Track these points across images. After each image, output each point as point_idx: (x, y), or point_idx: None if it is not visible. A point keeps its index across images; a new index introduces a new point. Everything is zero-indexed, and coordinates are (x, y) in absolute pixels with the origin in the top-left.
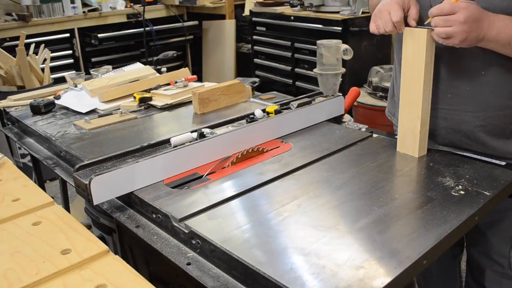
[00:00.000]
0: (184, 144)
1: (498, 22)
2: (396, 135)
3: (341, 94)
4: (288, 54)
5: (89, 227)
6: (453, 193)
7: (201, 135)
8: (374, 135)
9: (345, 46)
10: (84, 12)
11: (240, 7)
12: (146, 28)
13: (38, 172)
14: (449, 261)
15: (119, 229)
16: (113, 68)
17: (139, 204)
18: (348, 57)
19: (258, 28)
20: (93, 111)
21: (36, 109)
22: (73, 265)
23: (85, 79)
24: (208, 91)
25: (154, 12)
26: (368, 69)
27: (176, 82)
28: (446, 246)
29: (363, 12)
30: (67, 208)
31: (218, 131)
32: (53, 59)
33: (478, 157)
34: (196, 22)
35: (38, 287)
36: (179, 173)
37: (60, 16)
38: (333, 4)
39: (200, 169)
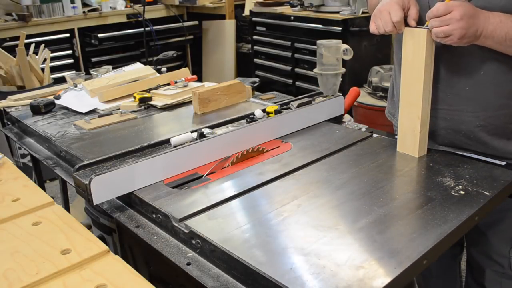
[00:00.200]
0: (184, 144)
1: (493, 18)
2: (396, 135)
3: (341, 94)
4: (288, 54)
5: (89, 227)
6: (453, 193)
7: (201, 135)
8: (374, 135)
9: (345, 46)
10: (84, 12)
11: (240, 7)
12: (146, 28)
13: (38, 172)
14: (449, 261)
15: (119, 229)
16: (113, 68)
17: (139, 204)
18: (348, 57)
19: (258, 28)
20: (93, 111)
21: (36, 109)
22: (73, 265)
23: (85, 79)
24: (208, 91)
25: (154, 12)
26: (368, 69)
27: (176, 82)
28: (446, 246)
29: (363, 12)
30: (67, 208)
31: (218, 131)
32: (53, 59)
33: (478, 157)
34: (196, 22)
35: (38, 287)
36: (179, 173)
37: (60, 16)
38: (333, 4)
39: (200, 169)
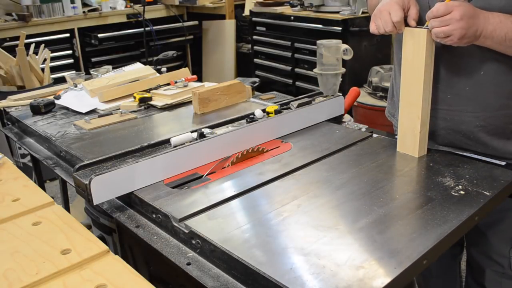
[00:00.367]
0: (184, 144)
1: (492, 18)
2: (396, 135)
3: (341, 94)
4: (288, 54)
5: (89, 227)
6: (453, 193)
7: (201, 135)
8: (374, 135)
9: (345, 46)
10: (84, 12)
11: (240, 7)
12: (146, 28)
13: (38, 172)
14: (449, 261)
15: (119, 229)
16: (113, 68)
17: (139, 204)
18: (348, 57)
19: (258, 28)
20: (93, 111)
21: (36, 109)
22: (73, 265)
23: (85, 79)
24: (208, 91)
25: (154, 12)
26: (368, 69)
27: (176, 82)
28: (446, 246)
29: (363, 12)
30: (67, 208)
31: (218, 131)
32: (53, 59)
33: (478, 157)
34: (196, 22)
35: (38, 287)
36: (179, 173)
37: (60, 16)
38: (333, 4)
39: (200, 169)
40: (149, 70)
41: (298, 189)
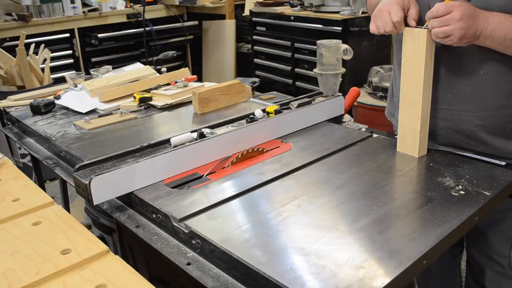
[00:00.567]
0: (184, 144)
1: (492, 18)
2: (396, 135)
3: (341, 94)
4: (288, 54)
5: (89, 227)
6: (453, 193)
7: (201, 135)
8: (374, 135)
9: (345, 46)
10: (84, 12)
11: (240, 7)
12: (146, 28)
13: (38, 172)
14: (449, 261)
15: (119, 229)
16: (113, 68)
17: (139, 204)
18: (348, 57)
19: (258, 28)
20: (93, 111)
21: (36, 109)
22: (73, 265)
23: (85, 79)
24: (208, 91)
25: (154, 12)
26: (368, 69)
27: (176, 82)
28: (446, 246)
29: (363, 12)
30: (67, 208)
31: (218, 131)
32: (53, 59)
33: (478, 157)
34: (196, 22)
35: (38, 287)
36: (179, 173)
37: (60, 16)
38: (333, 4)
39: (200, 169)
40: (149, 70)
41: (298, 189)
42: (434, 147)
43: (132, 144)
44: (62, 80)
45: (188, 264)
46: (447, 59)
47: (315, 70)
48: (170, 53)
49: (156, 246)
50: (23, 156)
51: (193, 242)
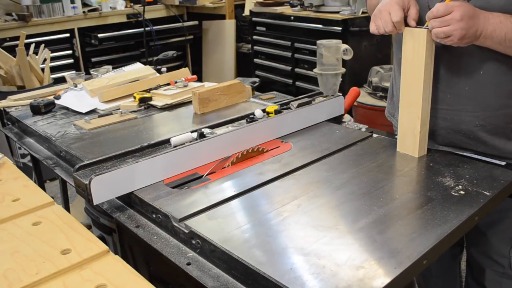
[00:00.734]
0: (184, 144)
1: (492, 19)
2: (396, 135)
3: (341, 94)
4: (288, 54)
5: (89, 227)
6: (453, 193)
7: (201, 135)
8: (374, 135)
9: (345, 46)
10: (84, 12)
11: (240, 7)
12: (146, 28)
13: (38, 172)
14: (449, 261)
15: (119, 229)
16: (113, 68)
17: (139, 204)
18: (348, 57)
19: (258, 28)
20: (93, 111)
21: (36, 109)
22: (73, 265)
23: (85, 79)
24: (208, 91)
25: (154, 12)
26: (368, 69)
27: (176, 82)
28: (446, 246)
29: (363, 12)
30: (67, 208)
31: (218, 131)
32: (53, 59)
33: (478, 157)
34: (196, 22)
35: (38, 287)
36: (179, 173)
37: (60, 16)
38: (333, 4)
39: (200, 169)
40: (149, 70)
41: (298, 189)
42: (434, 147)
43: (132, 144)
44: (62, 80)
45: (188, 264)
46: (447, 59)
47: (315, 70)
48: (170, 53)
49: (156, 246)
50: (23, 156)
51: (193, 242)
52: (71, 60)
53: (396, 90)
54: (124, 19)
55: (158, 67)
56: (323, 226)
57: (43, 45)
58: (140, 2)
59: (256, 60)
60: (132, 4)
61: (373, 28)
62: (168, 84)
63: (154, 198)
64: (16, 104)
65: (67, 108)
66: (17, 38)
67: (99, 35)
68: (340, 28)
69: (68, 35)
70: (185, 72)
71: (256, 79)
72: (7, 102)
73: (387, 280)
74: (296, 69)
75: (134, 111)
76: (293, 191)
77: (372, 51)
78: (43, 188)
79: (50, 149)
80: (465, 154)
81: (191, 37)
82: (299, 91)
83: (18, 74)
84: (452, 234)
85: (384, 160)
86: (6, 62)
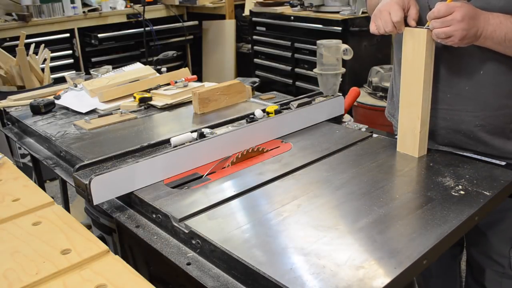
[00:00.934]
0: (184, 144)
1: (493, 19)
2: (396, 135)
3: (341, 94)
4: (288, 54)
5: (89, 227)
6: (453, 193)
7: (201, 135)
8: (374, 135)
9: (345, 46)
10: (84, 12)
11: (240, 7)
12: (146, 28)
13: (38, 172)
14: (449, 261)
15: (119, 229)
16: (113, 68)
17: (139, 204)
18: (348, 57)
19: (258, 28)
20: (93, 111)
21: (36, 109)
22: (73, 265)
23: (85, 79)
24: (208, 91)
25: (154, 12)
26: (368, 69)
27: (176, 82)
28: (446, 246)
29: (363, 12)
30: (67, 208)
31: (218, 131)
32: (53, 59)
33: (478, 157)
34: (196, 22)
35: (38, 287)
36: (179, 173)
37: (60, 16)
38: (333, 4)
39: (200, 169)
40: (149, 70)
41: (298, 189)
42: (434, 147)
43: (132, 144)
44: (62, 80)
45: (188, 264)
46: (447, 59)
47: (315, 70)
48: (170, 53)
49: (156, 246)
50: (23, 156)
51: (193, 242)
52: (71, 60)
53: (396, 90)
54: (124, 19)
55: (158, 67)
56: (323, 226)
57: (43, 45)
58: (140, 2)
59: (256, 60)
60: (132, 4)
61: (373, 28)
62: (168, 84)
63: (154, 198)
64: (16, 104)
65: (67, 108)
66: (17, 38)
67: (99, 35)
68: (340, 28)
69: (68, 35)
70: (185, 72)
71: (256, 79)
72: (7, 102)
73: (387, 280)
74: (296, 69)
75: (134, 111)
76: (293, 191)
77: (372, 51)
78: (43, 188)
79: (50, 149)
80: (465, 154)
81: (191, 37)
82: (299, 91)
83: (18, 74)
84: (452, 234)
85: (384, 160)
86: (6, 62)
